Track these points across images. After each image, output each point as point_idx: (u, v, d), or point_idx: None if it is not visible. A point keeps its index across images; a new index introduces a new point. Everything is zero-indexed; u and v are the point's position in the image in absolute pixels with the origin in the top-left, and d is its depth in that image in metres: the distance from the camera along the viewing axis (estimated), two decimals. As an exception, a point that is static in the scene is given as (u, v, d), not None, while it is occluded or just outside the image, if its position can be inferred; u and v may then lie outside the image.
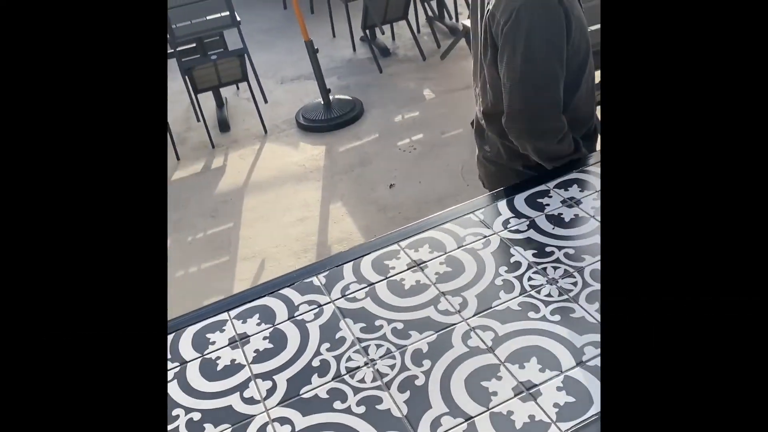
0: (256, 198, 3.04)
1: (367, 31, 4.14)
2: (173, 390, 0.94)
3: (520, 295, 1.03)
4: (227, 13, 3.30)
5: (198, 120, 3.53)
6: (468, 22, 3.06)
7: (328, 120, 3.51)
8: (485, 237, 1.15)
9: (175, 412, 0.91)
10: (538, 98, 1.24)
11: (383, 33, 4.29)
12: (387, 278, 1.10)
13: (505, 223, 1.18)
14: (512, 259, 1.10)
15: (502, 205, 1.23)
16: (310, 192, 3.02)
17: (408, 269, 1.11)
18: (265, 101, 3.60)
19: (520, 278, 1.06)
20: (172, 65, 3.62)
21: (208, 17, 3.31)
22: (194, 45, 3.58)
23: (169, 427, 0.88)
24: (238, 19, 3.34)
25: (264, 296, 1.11)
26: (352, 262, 1.15)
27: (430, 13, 4.18)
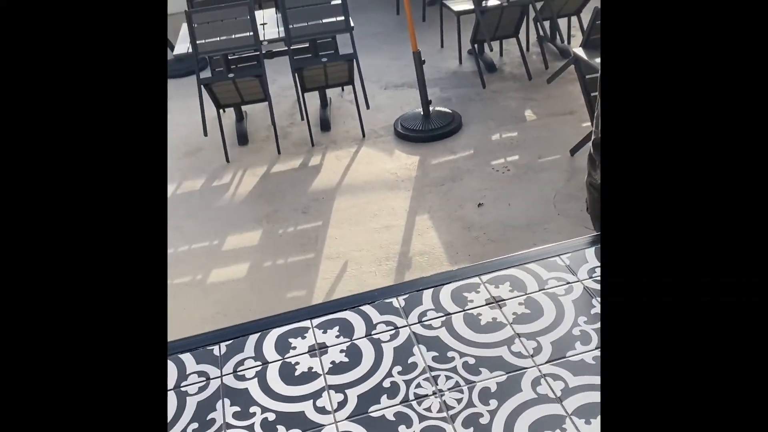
0: (347, 200, 3.14)
1: (476, 45, 4.15)
2: (253, 388, 1.02)
3: (595, 348, 1.02)
4: (342, 18, 3.42)
5: (302, 118, 3.68)
6: (579, 50, 3.00)
7: (426, 131, 3.56)
8: (568, 283, 1.15)
9: (252, 410, 0.98)
10: None
11: (491, 49, 4.28)
12: (464, 311, 1.12)
13: (591, 271, 1.17)
14: (593, 311, 1.09)
15: (590, 252, 1.22)
16: (398, 200, 3.08)
17: (486, 305, 1.13)
18: (367, 107, 3.70)
19: (598, 331, 1.05)
20: (284, 62, 3.80)
21: (323, 20, 3.45)
22: (307, 45, 3.74)
23: (246, 423, 0.96)
24: (352, 24, 3.45)
25: (345, 310, 1.16)
26: (432, 289, 1.18)
27: (541, 33, 4.12)
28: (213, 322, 2.42)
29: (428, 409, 0.95)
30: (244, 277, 2.69)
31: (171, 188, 3.37)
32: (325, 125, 3.78)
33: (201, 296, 2.61)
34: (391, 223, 2.92)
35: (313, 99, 3.89)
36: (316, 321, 1.15)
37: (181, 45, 3.52)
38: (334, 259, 2.74)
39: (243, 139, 3.73)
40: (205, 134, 3.59)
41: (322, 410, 0.97)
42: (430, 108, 3.65)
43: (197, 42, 3.33)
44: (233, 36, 3.37)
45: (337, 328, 1.12)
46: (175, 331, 2.67)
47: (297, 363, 1.06)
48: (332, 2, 3.42)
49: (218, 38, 3.37)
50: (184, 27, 3.65)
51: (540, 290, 1.15)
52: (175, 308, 2.55)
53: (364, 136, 3.65)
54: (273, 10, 3.90)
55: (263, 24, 3.64)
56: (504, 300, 1.14)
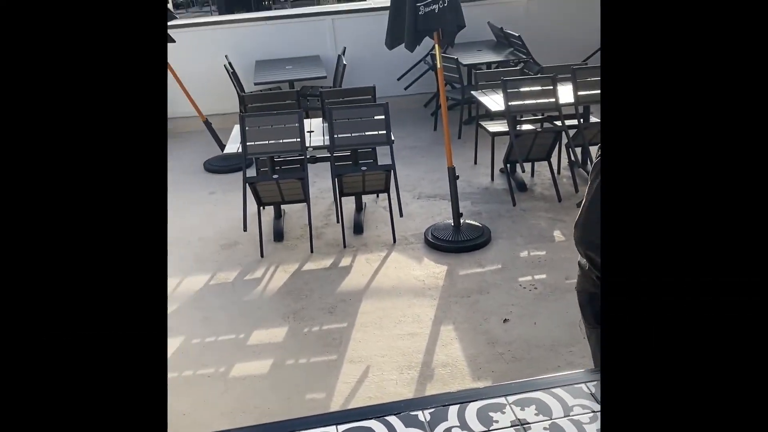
0: (373, 303, 3.18)
1: (508, 165, 4.32)
2: (277, 490, 1.03)
3: (620, 483, 1.02)
4: (384, 132, 3.63)
5: (337, 221, 3.82)
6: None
7: (456, 242, 3.65)
8: (594, 412, 1.16)
9: None
10: (597, 217, 1.36)
11: (523, 170, 4.45)
12: (489, 431, 1.13)
13: (616, 402, 1.18)
14: (618, 443, 1.09)
15: (616, 382, 1.24)
16: (424, 308, 3.11)
17: (511, 426, 1.14)
18: (401, 214, 3.83)
19: (623, 465, 1.05)
20: (324, 166, 4.00)
21: (366, 133, 3.67)
22: (348, 153, 3.95)
23: None
24: (393, 138, 3.66)
25: (370, 419, 1.19)
26: (458, 405, 1.20)
27: (572, 159, 4.29)
28: (231, 417, 2.41)
29: None
30: (266, 374, 2.70)
31: (205, 279, 3.48)
32: (358, 228, 3.91)
33: (222, 389, 2.61)
34: (415, 330, 2.94)
35: (349, 203, 4.05)
36: (342, 427, 1.17)
37: (232, 145, 3.76)
38: (356, 362, 2.74)
39: (279, 236, 3.86)
40: (245, 229, 3.73)
41: None
42: (461, 220, 3.76)
43: (247, 143, 3.56)
44: (281, 140, 3.60)
45: (362, 436, 1.14)
46: (195, 425, 2.64)
47: (321, 469, 1.07)
48: (375, 117, 3.66)
49: (267, 141, 3.60)
50: (236, 128, 3.92)
51: (565, 416, 1.16)
52: (197, 400, 2.56)
53: (395, 241, 3.75)
54: (320, 119, 4.16)
55: (310, 131, 3.88)
56: (529, 423, 1.15)
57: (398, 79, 5.85)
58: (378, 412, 1.20)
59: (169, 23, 4.71)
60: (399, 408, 1.21)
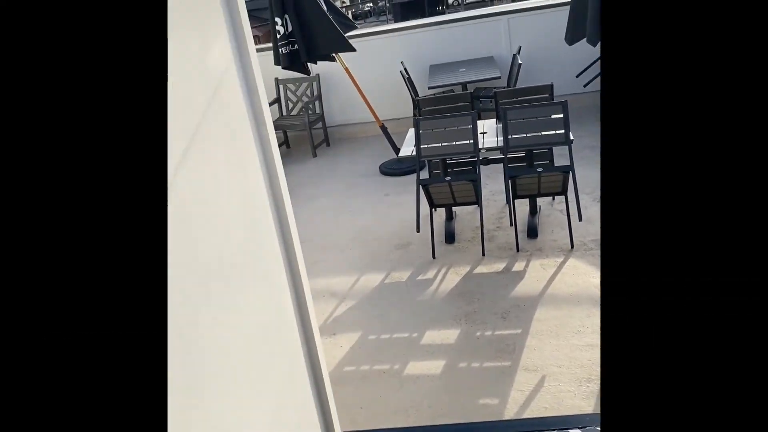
0: (549, 311, 3.05)
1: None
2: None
3: None
4: (562, 131, 3.47)
5: (510, 224, 3.73)
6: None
7: (642, 249, 3.36)
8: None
9: None
10: None
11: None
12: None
13: None
14: None
15: None
16: (606, 319, 2.90)
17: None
18: (579, 218, 3.63)
19: None
20: (496, 168, 3.94)
21: (542, 132, 3.53)
22: (523, 154, 3.84)
23: None
24: (572, 138, 3.48)
25: (553, 430, 1.13)
26: (652, 427, 1.09)
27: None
28: (406, 414, 2.46)
29: None
30: (439, 375, 2.72)
31: (380, 277, 3.61)
32: (532, 232, 3.78)
33: (396, 386, 2.68)
34: (595, 342, 2.75)
35: (522, 205, 3.94)
36: (522, 437, 1.12)
37: (406, 148, 3.86)
38: (531, 371, 2.64)
39: (450, 237, 3.88)
40: (418, 230, 3.81)
41: None
42: (649, 225, 3.45)
43: (420, 146, 3.62)
44: (454, 143, 3.60)
45: (543, 448, 1.09)
46: (372, 419, 2.74)
47: (499, 477, 1.04)
48: (553, 116, 3.51)
49: (440, 144, 3.63)
50: (410, 132, 4.01)
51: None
52: (373, 395, 2.66)
53: (572, 247, 3.56)
54: (493, 120, 4.10)
55: (483, 133, 3.85)
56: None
57: (577, 76, 5.57)
58: (560, 423, 1.14)
59: (349, 33, 4.98)
60: (583, 421, 1.13)
